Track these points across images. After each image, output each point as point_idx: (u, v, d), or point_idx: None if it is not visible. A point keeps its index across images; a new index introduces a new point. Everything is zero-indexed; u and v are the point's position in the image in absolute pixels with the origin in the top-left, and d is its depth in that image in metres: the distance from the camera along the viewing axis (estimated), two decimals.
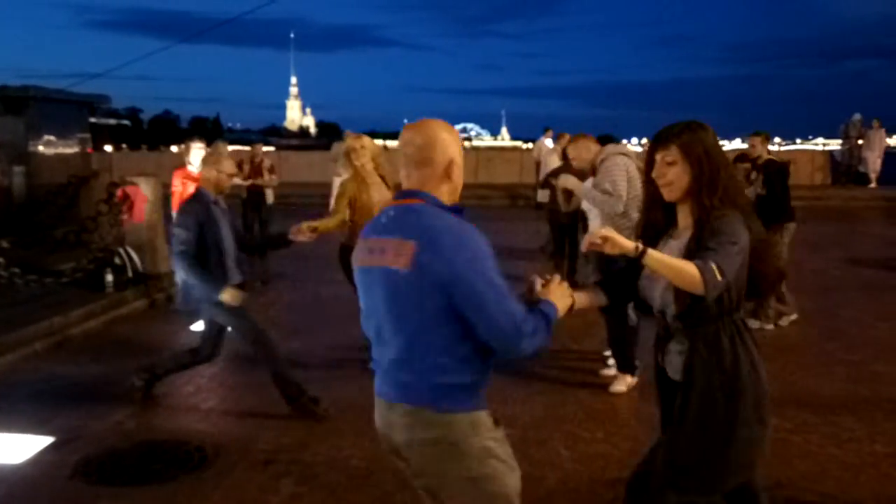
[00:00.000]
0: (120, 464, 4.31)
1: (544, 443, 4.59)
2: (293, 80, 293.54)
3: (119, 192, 8.47)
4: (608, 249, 2.35)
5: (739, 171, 7.14)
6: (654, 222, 2.65)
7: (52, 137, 12.28)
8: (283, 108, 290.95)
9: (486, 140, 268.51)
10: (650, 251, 2.34)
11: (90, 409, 5.15)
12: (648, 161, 2.58)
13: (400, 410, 2.22)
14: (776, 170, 7.23)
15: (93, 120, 14.36)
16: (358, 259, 2.29)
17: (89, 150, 13.61)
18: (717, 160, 2.48)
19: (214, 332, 5.11)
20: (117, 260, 8.27)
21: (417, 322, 2.13)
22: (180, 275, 4.98)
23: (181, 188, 7.95)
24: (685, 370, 2.52)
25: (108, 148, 28.59)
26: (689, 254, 2.39)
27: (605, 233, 2.35)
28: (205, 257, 4.83)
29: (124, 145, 61.17)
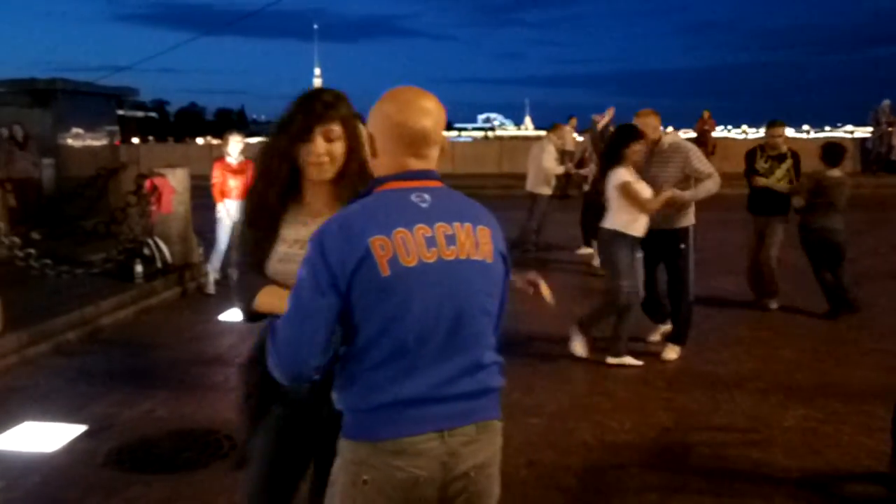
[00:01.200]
0: (151, 451, 4.37)
1: (571, 432, 4.59)
2: (317, 71, 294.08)
3: (147, 184, 8.56)
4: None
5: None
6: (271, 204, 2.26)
7: (80, 130, 12.44)
8: None
9: (510, 130, 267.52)
10: None
11: (122, 398, 5.22)
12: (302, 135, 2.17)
13: (469, 432, 1.86)
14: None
15: (121, 112, 14.54)
16: (409, 254, 1.77)
17: (117, 142, 13.78)
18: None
19: None
20: (146, 251, 8.36)
21: (484, 321, 1.89)
22: None
23: (221, 179, 8.14)
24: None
25: (135, 140, 28.86)
26: None
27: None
28: None
29: (151, 137, 61.74)
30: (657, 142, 5.78)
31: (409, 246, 1.77)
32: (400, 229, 1.78)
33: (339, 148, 2.19)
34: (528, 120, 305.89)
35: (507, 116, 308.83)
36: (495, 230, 1.92)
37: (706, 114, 23.01)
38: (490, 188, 19.34)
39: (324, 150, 2.17)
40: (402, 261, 1.75)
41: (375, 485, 1.80)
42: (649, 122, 5.78)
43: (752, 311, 7.50)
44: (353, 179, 2.19)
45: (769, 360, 6.03)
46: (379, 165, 1.91)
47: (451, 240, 1.81)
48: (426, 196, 1.84)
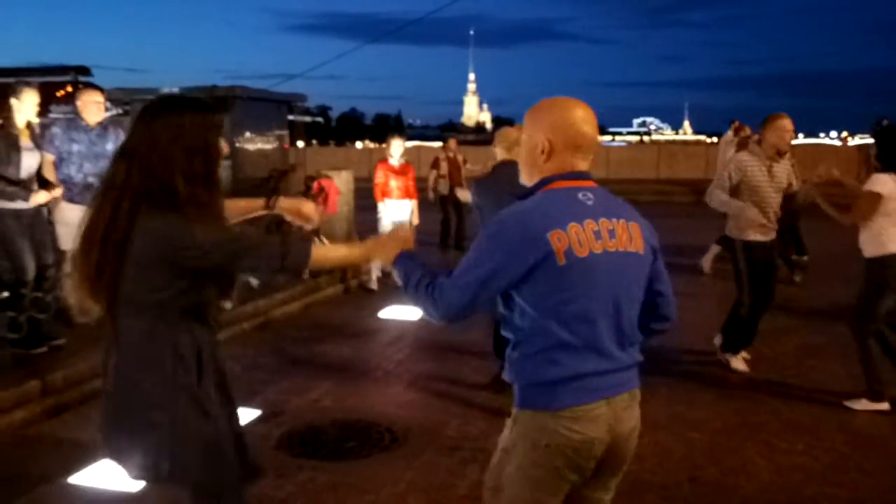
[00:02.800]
0: (318, 438, 4.60)
1: (736, 450, 4.40)
2: (471, 76, 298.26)
3: (315, 185, 9.00)
4: None
5: None
6: None
7: (255, 134, 13.28)
8: (460, 104, 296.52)
9: (667, 134, 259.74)
10: None
11: (291, 386, 5.53)
12: None
13: (626, 399, 2.17)
14: None
15: (290, 117, 15.38)
16: (581, 246, 2.04)
17: (286, 145, 14.60)
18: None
19: None
20: None
21: (636, 306, 2.18)
22: None
23: (383, 179, 8.53)
24: None
25: (301, 143, 30.43)
26: None
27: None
28: None
29: (315, 141, 64.88)
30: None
31: (581, 238, 2.05)
32: (573, 224, 2.05)
33: None
34: (686, 124, 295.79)
35: (664, 120, 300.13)
36: (644, 226, 2.20)
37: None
38: (646, 193, 18.88)
39: None
40: (576, 251, 2.03)
41: (556, 447, 2.08)
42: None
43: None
44: None
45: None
46: (548, 167, 2.17)
47: (612, 233, 2.09)
48: (590, 195, 2.13)
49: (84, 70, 18.90)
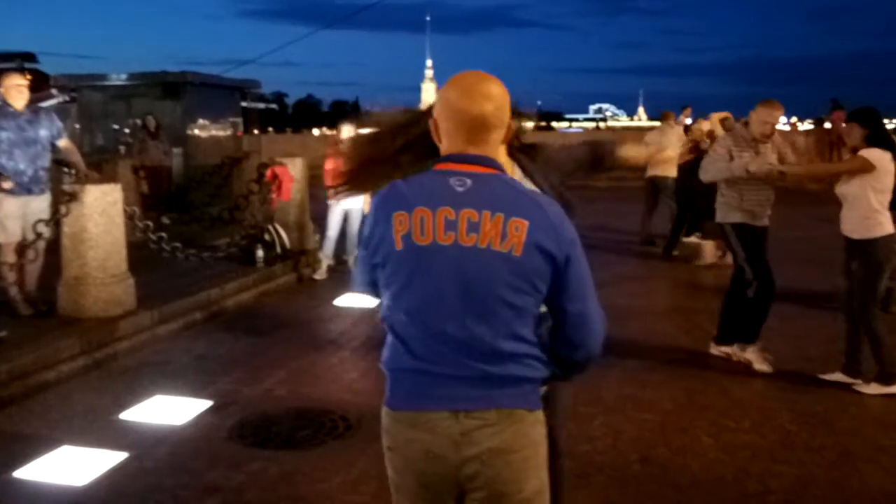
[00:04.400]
0: (271, 428, 4.55)
1: (685, 430, 4.47)
2: (429, 62, 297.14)
3: (269, 173, 8.88)
4: None
5: None
6: None
7: (207, 121, 13.06)
8: (418, 90, 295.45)
9: (623, 120, 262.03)
10: None
11: (244, 376, 5.46)
12: None
13: (489, 417, 1.84)
14: None
15: (244, 104, 15.16)
16: (424, 234, 1.83)
17: (240, 132, 14.38)
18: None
19: None
20: (267, 236, 8.70)
21: (506, 311, 1.83)
22: None
23: (334, 166, 8.41)
24: None
25: (256, 131, 30.01)
26: None
27: None
28: None
29: (271, 128, 64.09)
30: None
31: (426, 226, 1.82)
32: (422, 208, 1.84)
33: None
34: (641, 110, 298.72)
35: (619, 107, 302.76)
36: (537, 223, 1.83)
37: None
38: (600, 179, 19.02)
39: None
40: (416, 238, 1.83)
41: (396, 452, 1.92)
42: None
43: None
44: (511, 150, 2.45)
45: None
46: (442, 149, 1.95)
47: (474, 227, 1.81)
48: (467, 181, 1.86)
49: (30, 56, 18.34)
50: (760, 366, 5.44)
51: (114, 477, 3.95)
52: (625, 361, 5.63)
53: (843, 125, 6.30)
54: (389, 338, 1.94)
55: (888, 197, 4.93)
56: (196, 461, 4.12)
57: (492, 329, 1.83)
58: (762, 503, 3.65)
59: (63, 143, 6.34)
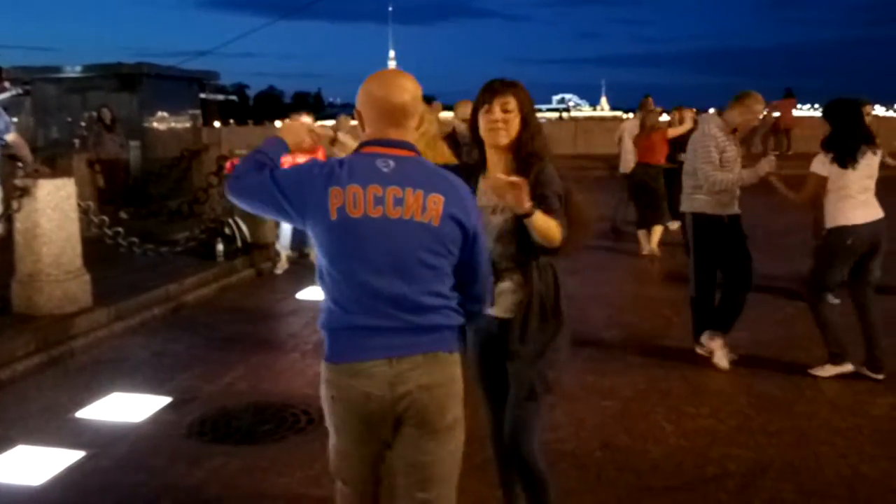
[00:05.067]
0: (232, 424, 4.50)
1: (646, 416, 4.52)
2: (391, 53, 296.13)
3: (228, 165, 8.77)
4: (508, 199, 2.51)
5: None
6: (474, 164, 2.91)
7: (165, 113, 12.85)
8: None
9: (585, 111, 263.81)
10: (537, 212, 2.55)
11: (204, 372, 5.39)
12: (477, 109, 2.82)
13: (416, 360, 2.21)
14: None
15: (203, 96, 14.94)
16: (356, 207, 2.15)
17: (199, 124, 14.18)
18: (536, 118, 2.83)
19: None
20: (227, 230, 8.59)
21: (426, 272, 2.20)
22: None
23: (291, 159, 8.23)
24: (519, 304, 2.72)
25: (217, 123, 29.64)
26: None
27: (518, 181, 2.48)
28: None
29: (232, 121, 63.32)
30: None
31: (357, 201, 2.15)
32: (354, 185, 2.16)
33: (513, 119, 2.73)
34: (603, 100, 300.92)
35: (582, 97, 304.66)
36: (451, 198, 2.21)
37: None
38: (563, 169, 19.09)
39: (500, 117, 2.72)
40: (349, 211, 2.15)
41: (339, 400, 2.25)
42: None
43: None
44: (527, 149, 2.74)
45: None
46: (365, 135, 2.29)
47: (399, 201, 2.16)
48: (391, 162, 2.20)
49: None
50: (720, 361, 5.33)
51: (70, 476, 3.88)
52: (587, 350, 5.67)
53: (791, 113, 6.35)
54: (325, 303, 2.28)
55: (854, 188, 4.93)
56: (155, 458, 4.06)
57: (415, 286, 2.19)
58: (720, 486, 3.70)
59: (11, 137, 6.19)
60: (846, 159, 4.90)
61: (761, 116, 5.41)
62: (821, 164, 4.98)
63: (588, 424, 4.40)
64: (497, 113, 2.73)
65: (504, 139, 2.75)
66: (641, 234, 9.50)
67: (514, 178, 2.47)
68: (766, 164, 5.08)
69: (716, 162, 5.13)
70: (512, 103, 2.73)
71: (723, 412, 4.57)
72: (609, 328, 6.30)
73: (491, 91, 2.76)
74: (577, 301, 7.08)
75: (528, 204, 2.50)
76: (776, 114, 19.43)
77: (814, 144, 5.42)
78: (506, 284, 2.73)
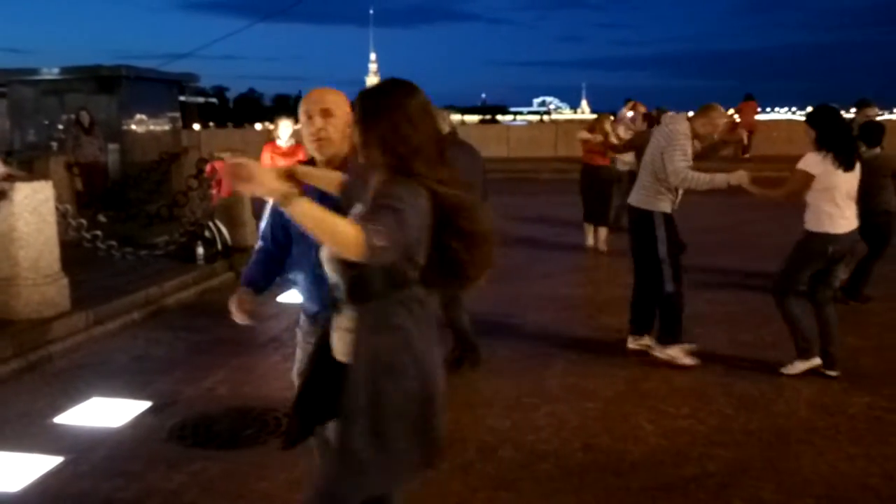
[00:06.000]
0: (212, 428, 4.47)
1: (627, 417, 4.54)
2: (372, 56, 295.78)
3: (208, 168, 8.71)
4: (245, 189, 1.93)
5: None
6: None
7: (144, 116, 12.76)
8: (362, 84, 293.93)
9: (566, 113, 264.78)
10: (301, 199, 1.92)
11: (184, 376, 5.36)
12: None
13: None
14: None
15: (182, 99, 14.85)
16: None
17: (179, 127, 14.08)
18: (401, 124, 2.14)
19: None
20: (207, 233, 8.53)
21: None
22: None
23: (270, 162, 8.18)
24: (352, 352, 2.21)
25: (196, 126, 29.45)
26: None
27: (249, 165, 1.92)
28: None
29: (212, 123, 62.90)
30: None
31: None
32: None
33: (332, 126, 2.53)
34: (584, 103, 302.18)
35: (563, 100, 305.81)
36: None
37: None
38: (545, 172, 19.18)
39: (321, 126, 2.53)
40: None
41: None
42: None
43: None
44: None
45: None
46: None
47: None
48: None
49: None
50: (685, 360, 5.36)
51: (48, 482, 3.84)
52: (568, 352, 5.69)
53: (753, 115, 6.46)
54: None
55: (840, 192, 4.97)
56: (134, 463, 4.03)
57: None
58: (700, 486, 3.72)
59: None
60: (849, 160, 4.96)
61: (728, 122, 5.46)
62: (814, 163, 4.97)
63: (569, 425, 4.42)
64: (317, 122, 2.56)
65: (324, 151, 2.57)
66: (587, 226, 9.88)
67: (240, 160, 1.94)
68: (740, 178, 5.14)
69: (689, 158, 5.24)
70: (334, 110, 2.56)
71: (702, 412, 4.61)
72: (589, 329, 6.33)
73: (310, 100, 2.58)
74: (557, 303, 7.14)
75: (276, 186, 1.92)
76: (737, 117, 19.69)
77: (776, 147, 5.51)
78: (340, 321, 2.29)
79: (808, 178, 5.00)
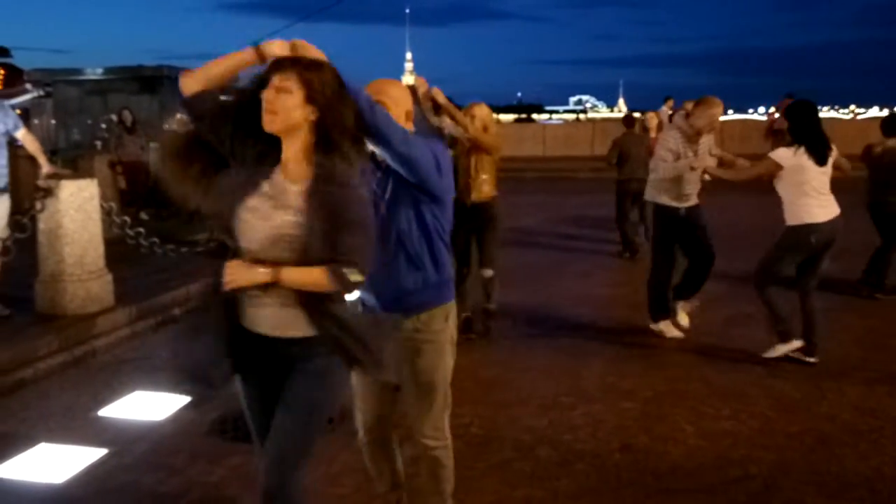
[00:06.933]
0: None
1: (666, 418, 4.49)
2: (408, 55, 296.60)
3: None
4: (236, 286, 2.31)
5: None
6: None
7: (184, 115, 12.94)
8: None
9: (603, 112, 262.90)
10: (285, 270, 2.29)
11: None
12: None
13: None
14: None
15: (223, 98, 15.03)
16: None
17: None
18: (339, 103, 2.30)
19: None
20: None
21: None
22: None
23: None
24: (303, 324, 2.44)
25: None
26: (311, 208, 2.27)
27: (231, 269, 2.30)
28: None
29: None
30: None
31: None
32: None
33: (288, 101, 2.26)
34: (621, 101, 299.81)
35: (599, 98, 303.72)
36: None
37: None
38: (581, 171, 19.05)
39: (272, 98, 2.26)
40: None
41: None
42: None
43: (858, 299, 7.16)
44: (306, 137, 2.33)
45: (878, 348, 5.74)
46: None
47: None
48: None
49: (3, 51, 18.10)
50: (672, 333, 5.93)
51: (93, 473, 3.92)
52: (605, 351, 5.66)
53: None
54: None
55: (810, 186, 5.12)
56: (176, 457, 4.09)
57: None
58: (742, 489, 3.67)
59: (21, 133, 6.21)
60: (822, 155, 5.10)
61: (772, 116, 5.86)
62: (785, 156, 5.14)
63: (607, 426, 4.39)
64: (271, 92, 2.27)
65: (273, 125, 2.30)
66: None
67: (261, 269, 2.29)
68: (701, 162, 5.58)
69: (668, 154, 5.62)
70: (292, 82, 2.26)
71: (743, 414, 4.54)
72: (626, 329, 6.28)
73: (273, 67, 2.32)
74: (594, 302, 7.09)
75: (264, 274, 2.29)
76: (777, 115, 19.41)
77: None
78: (270, 298, 2.41)
79: (773, 167, 5.18)
